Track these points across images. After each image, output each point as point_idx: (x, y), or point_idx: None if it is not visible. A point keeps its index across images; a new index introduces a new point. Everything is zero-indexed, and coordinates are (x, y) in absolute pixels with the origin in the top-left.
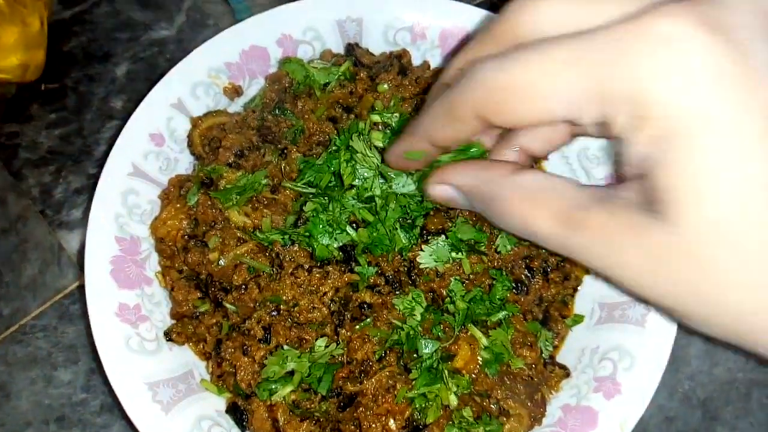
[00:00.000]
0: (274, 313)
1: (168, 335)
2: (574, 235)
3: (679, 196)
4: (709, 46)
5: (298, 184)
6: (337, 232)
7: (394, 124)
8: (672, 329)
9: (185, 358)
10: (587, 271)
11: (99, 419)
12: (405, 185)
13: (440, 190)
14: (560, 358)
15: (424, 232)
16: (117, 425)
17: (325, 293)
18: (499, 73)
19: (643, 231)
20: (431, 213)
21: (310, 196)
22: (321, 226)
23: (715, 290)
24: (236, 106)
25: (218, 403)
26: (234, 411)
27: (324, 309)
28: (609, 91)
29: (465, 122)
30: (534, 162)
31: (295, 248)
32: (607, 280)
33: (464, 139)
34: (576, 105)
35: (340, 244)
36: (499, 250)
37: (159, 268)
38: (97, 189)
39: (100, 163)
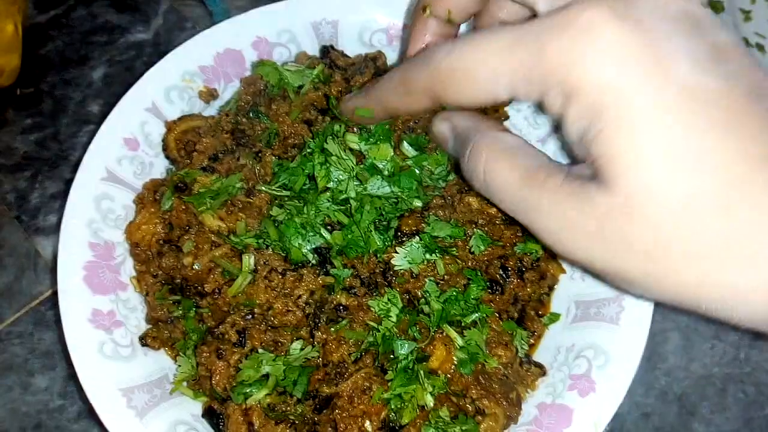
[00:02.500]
0: (248, 317)
1: (143, 340)
2: (531, 193)
3: (612, 162)
4: (618, 31)
5: (273, 187)
6: (311, 234)
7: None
8: (645, 327)
9: (161, 363)
10: (564, 269)
11: (76, 426)
12: (380, 187)
13: (443, 127)
14: (537, 357)
15: (399, 233)
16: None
17: (299, 296)
18: (449, 56)
19: (588, 197)
20: (406, 214)
21: (285, 199)
22: (294, 228)
23: (651, 251)
24: (212, 110)
25: (194, 407)
26: (210, 415)
27: (298, 312)
28: (542, 73)
29: (416, 97)
30: None
31: (269, 252)
32: (554, 247)
33: (415, 112)
34: (516, 86)
35: (314, 246)
36: (473, 250)
37: (134, 273)
38: (69, 195)
39: (77, 168)
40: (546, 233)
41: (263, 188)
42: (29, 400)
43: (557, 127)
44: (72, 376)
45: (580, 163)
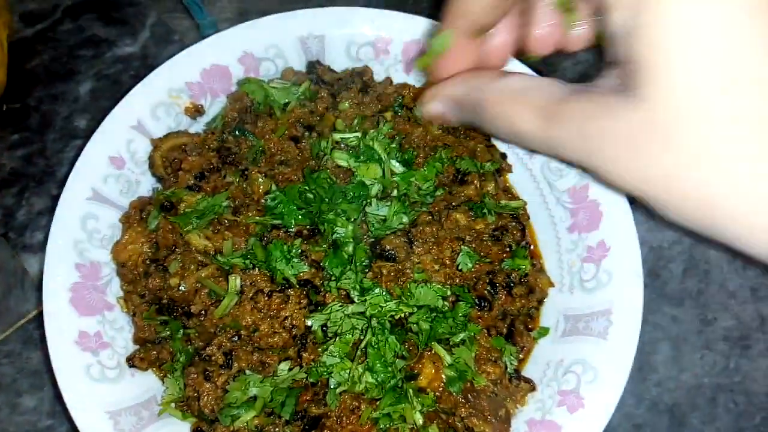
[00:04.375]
0: (234, 339)
1: (130, 361)
2: (555, 127)
3: (650, 64)
4: None
5: (267, 218)
6: (295, 261)
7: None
8: (634, 341)
9: (148, 384)
10: (552, 283)
11: None
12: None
13: (433, 106)
14: (526, 372)
15: (379, 251)
16: None
17: (285, 318)
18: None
19: (617, 112)
20: (390, 234)
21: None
22: (279, 252)
23: (685, 167)
24: (198, 126)
25: (183, 428)
26: None
27: (284, 333)
28: None
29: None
30: (499, 175)
31: (256, 272)
32: (588, 172)
33: (500, 10)
34: None
35: (297, 272)
36: (460, 267)
37: (121, 293)
38: (55, 215)
39: (64, 185)
40: (580, 161)
41: (255, 220)
42: (17, 420)
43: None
44: (60, 396)
45: (604, 71)
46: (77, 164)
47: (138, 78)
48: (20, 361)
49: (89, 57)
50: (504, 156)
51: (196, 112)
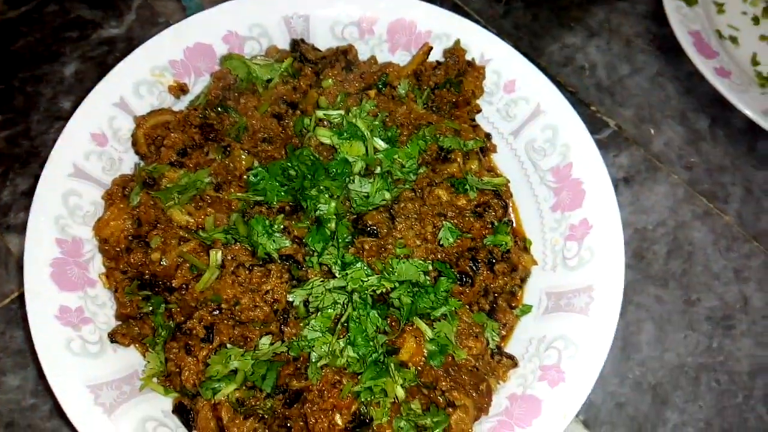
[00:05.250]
0: (215, 312)
1: (112, 337)
2: None
3: None
4: None
5: (249, 194)
6: (277, 236)
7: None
8: (614, 317)
9: (130, 360)
10: (535, 261)
11: (48, 424)
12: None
13: None
14: (509, 348)
15: (360, 226)
16: (67, 429)
17: (266, 292)
18: None
19: None
20: (372, 210)
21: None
22: (261, 226)
23: None
24: (182, 105)
25: (165, 403)
26: (180, 411)
27: (266, 307)
28: None
29: None
30: (483, 155)
31: (237, 247)
32: None
33: None
34: None
35: (279, 247)
36: (442, 242)
37: (103, 270)
38: (36, 191)
39: None
40: None
41: (238, 196)
42: (1, 398)
43: None
44: (44, 374)
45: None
46: (59, 140)
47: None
48: (3, 340)
49: (74, 39)
50: (488, 136)
51: (180, 90)
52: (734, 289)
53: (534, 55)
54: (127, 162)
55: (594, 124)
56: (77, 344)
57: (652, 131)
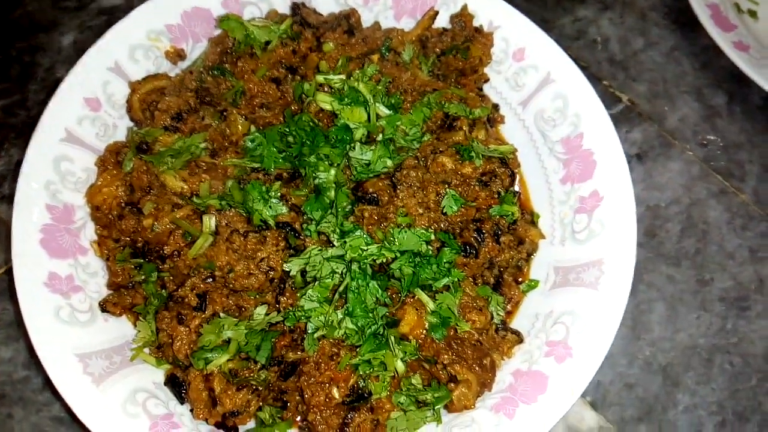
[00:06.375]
0: (208, 280)
1: (103, 306)
2: None
3: None
4: None
5: (245, 160)
6: (274, 201)
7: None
8: (626, 290)
9: (122, 330)
10: (543, 235)
11: (41, 397)
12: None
13: None
14: (514, 324)
15: (360, 194)
16: (59, 403)
17: (262, 259)
18: None
19: None
20: (373, 177)
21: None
22: (257, 192)
23: None
24: (179, 71)
25: (157, 374)
26: (172, 383)
27: (260, 275)
28: None
29: None
30: (491, 125)
31: (232, 213)
32: None
33: None
34: None
35: (275, 214)
36: (445, 210)
37: (95, 238)
38: (26, 155)
39: None
40: None
41: (233, 161)
42: None
43: None
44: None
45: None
46: (50, 104)
47: None
48: None
49: (73, 8)
50: (496, 107)
51: (177, 56)
52: (749, 269)
53: (544, 28)
54: (122, 128)
55: (606, 100)
56: (66, 312)
57: (666, 107)
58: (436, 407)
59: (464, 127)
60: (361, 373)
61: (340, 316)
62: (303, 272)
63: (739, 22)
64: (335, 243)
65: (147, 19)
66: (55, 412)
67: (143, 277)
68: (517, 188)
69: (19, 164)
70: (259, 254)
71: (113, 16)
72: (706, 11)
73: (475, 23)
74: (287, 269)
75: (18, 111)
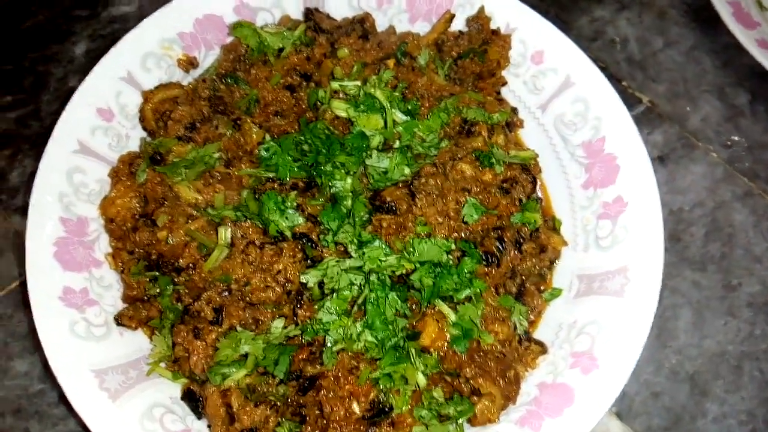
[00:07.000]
0: (225, 293)
1: (118, 320)
2: None
3: None
4: None
5: (260, 170)
6: (290, 212)
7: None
8: (654, 298)
9: (138, 344)
10: (565, 242)
11: (57, 410)
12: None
13: None
14: (538, 334)
15: (378, 203)
16: (75, 416)
17: (278, 271)
18: None
19: None
20: (391, 186)
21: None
22: (273, 202)
23: None
24: (191, 79)
25: (173, 389)
26: (189, 398)
27: (277, 288)
28: None
29: None
30: (510, 130)
31: (247, 224)
32: None
33: None
34: None
35: (292, 224)
36: (465, 219)
37: (109, 250)
38: (39, 167)
39: None
40: None
41: (248, 171)
42: (8, 384)
43: None
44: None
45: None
46: (63, 115)
47: None
48: (11, 324)
49: (84, 17)
50: (515, 111)
51: (189, 64)
52: None
53: (561, 28)
54: (135, 139)
55: (626, 101)
56: (81, 327)
57: (688, 107)
58: (459, 421)
59: (483, 133)
60: (381, 387)
61: (360, 328)
62: (320, 284)
63: (761, 19)
64: (353, 254)
65: (159, 27)
66: (72, 426)
67: (158, 291)
68: (539, 194)
69: (33, 176)
70: (276, 266)
71: (125, 23)
72: (728, 9)
73: (492, 25)
74: (304, 281)
75: (31, 122)
